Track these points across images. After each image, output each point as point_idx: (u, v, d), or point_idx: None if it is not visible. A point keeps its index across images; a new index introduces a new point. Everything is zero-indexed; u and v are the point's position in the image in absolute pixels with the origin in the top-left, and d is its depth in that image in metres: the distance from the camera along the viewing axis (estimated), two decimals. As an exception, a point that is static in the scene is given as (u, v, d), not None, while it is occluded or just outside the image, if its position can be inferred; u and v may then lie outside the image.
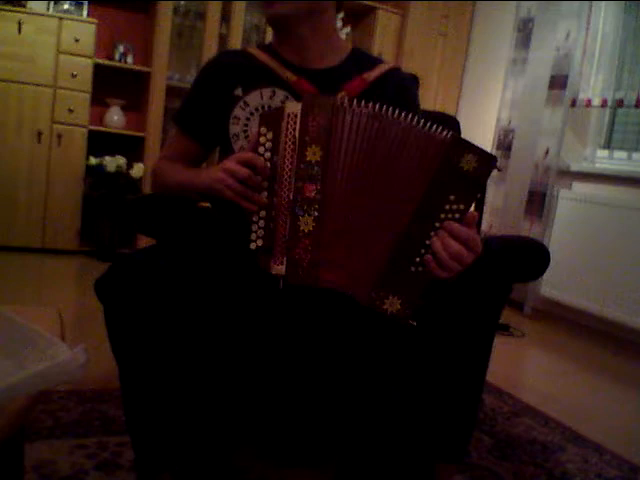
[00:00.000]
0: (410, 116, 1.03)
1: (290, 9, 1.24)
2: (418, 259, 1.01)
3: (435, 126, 1.02)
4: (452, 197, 0.99)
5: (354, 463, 1.12)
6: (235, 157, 1.10)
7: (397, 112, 1.03)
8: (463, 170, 0.98)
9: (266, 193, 1.08)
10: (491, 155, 0.99)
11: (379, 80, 1.32)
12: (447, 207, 0.99)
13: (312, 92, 1.27)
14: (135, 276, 1.07)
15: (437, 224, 1.00)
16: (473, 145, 0.98)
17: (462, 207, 0.99)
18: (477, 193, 1.01)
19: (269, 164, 1.07)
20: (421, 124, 1.02)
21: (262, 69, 1.32)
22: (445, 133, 1.00)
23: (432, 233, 1.00)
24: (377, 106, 1.04)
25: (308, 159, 1.05)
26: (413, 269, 1.02)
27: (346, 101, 1.05)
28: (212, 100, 1.34)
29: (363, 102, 1.05)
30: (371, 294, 1.04)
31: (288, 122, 1.05)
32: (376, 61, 1.37)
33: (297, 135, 1.05)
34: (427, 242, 1.00)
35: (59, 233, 3.61)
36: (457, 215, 0.99)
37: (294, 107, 1.05)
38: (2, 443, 0.77)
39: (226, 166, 1.09)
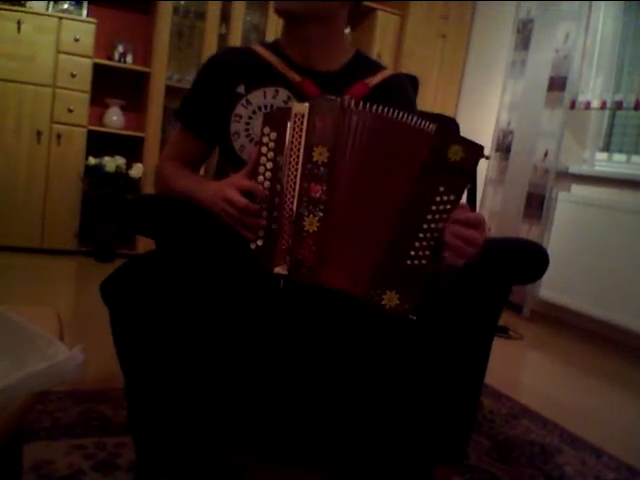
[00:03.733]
0: (400, 112, 1.04)
1: (300, 7, 1.22)
2: (413, 252, 1.01)
3: (421, 119, 1.02)
4: (442, 189, 0.99)
5: (352, 465, 1.12)
6: (234, 184, 1.11)
7: (395, 112, 1.04)
8: (450, 161, 0.98)
9: (265, 220, 1.09)
10: (477, 144, 0.99)
11: (381, 85, 1.33)
12: (437, 199, 1.00)
13: (316, 94, 1.28)
14: (142, 280, 1.07)
15: (429, 216, 1.00)
16: (458, 136, 1.00)
17: (452, 198, 1.00)
18: (466, 183, 1.01)
19: (272, 164, 1.08)
20: (409, 119, 1.03)
21: (266, 68, 1.32)
22: (430, 125, 1.01)
23: (425, 226, 1.00)
24: (380, 108, 1.05)
25: (315, 160, 1.05)
26: (409, 262, 1.02)
27: (353, 103, 1.06)
28: (214, 97, 1.33)
29: (368, 104, 1.05)
30: (369, 291, 1.04)
31: (295, 122, 1.05)
32: (379, 67, 1.38)
33: (304, 135, 1.05)
34: (420, 235, 1.01)
35: (58, 233, 3.60)
36: (448, 206, 1.00)
37: (301, 108, 1.06)
38: (0, 443, 0.76)
39: (225, 194, 1.11)
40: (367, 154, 1.05)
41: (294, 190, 1.06)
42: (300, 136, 1.05)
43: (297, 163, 1.06)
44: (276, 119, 1.07)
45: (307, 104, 1.06)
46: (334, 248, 1.06)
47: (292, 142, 1.06)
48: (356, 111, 1.05)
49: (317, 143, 1.05)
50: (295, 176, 1.06)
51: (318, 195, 1.05)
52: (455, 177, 0.99)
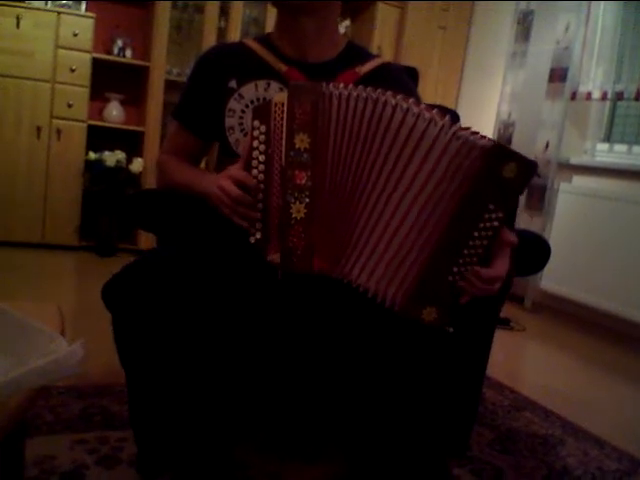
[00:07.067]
0: (430, 113, 1.01)
1: None
2: (456, 269, 1.00)
3: (470, 131, 1.00)
4: (492, 206, 0.96)
5: (366, 456, 1.12)
6: (230, 175, 1.11)
7: (400, 99, 1.03)
8: (504, 178, 0.95)
9: (260, 212, 1.09)
10: (532, 161, 0.96)
11: (372, 73, 1.32)
12: (486, 216, 0.97)
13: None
14: (143, 284, 1.07)
15: (476, 233, 0.98)
16: (514, 152, 0.95)
17: (501, 215, 0.97)
18: (516, 200, 0.99)
19: (264, 157, 1.08)
20: (454, 127, 1.00)
21: (257, 61, 1.32)
22: (485, 140, 0.98)
23: (470, 242, 0.99)
24: (369, 89, 1.04)
25: (297, 147, 1.06)
26: (450, 278, 1.01)
27: (331, 86, 1.06)
28: (207, 93, 1.33)
29: (351, 86, 1.05)
30: (408, 305, 1.03)
31: (276, 112, 1.06)
32: (370, 55, 1.38)
33: (285, 123, 1.06)
34: (465, 251, 0.99)
35: (59, 228, 3.60)
36: (496, 223, 0.97)
37: (281, 97, 1.07)
38: (3, 438, 0.77)
39: (220, 183, 1.11)
40: (358, 138, 1.05)
41: (280, 178, 1.07)
42: (282, 125, 1.06)
43: (281, 152, 1.07)
44: (263, 112, 1.08)
45: (286, 92, 1.07)
46: (324, 234, 1.07)
47: (275, 131, 1.07)
48: (337, 94, 1.05)
49: (298, 130, 1.05)
50: (280, 164, 1.07)
51: (303, 182, 1.06)
52: (506, 194, 0.96)
